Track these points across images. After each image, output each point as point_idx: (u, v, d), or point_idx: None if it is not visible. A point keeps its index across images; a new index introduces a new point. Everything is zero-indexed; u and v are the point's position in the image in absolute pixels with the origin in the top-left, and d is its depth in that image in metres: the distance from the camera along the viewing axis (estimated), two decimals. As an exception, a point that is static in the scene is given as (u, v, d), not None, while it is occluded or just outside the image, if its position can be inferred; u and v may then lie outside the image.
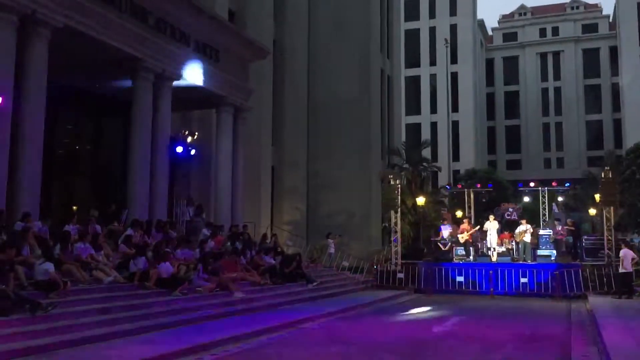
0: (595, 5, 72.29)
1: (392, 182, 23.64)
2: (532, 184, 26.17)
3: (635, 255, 19.48)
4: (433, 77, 60.18)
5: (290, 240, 26.02)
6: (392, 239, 23.90)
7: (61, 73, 15.43)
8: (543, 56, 68.02)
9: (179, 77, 18.17)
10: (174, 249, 15.48)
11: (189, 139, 18.92)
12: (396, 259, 23.51)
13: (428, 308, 18.00)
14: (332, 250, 25.18)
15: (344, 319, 14.87)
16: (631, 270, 19.34)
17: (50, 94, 14.16)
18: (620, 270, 19.40)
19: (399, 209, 23.94)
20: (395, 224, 23.67)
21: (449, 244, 24.09)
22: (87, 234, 13.60)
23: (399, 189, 23.80)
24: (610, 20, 67.37)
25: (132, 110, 17.24)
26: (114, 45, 15.59)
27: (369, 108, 31.93)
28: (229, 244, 18.47)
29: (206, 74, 19.37)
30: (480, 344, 11.13)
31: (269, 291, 17.02)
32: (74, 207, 18.26)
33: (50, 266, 10.98)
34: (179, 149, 18.62)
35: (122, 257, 13.99)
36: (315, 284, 19.20)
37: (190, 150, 19.13)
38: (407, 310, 17.45)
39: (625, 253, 19.28)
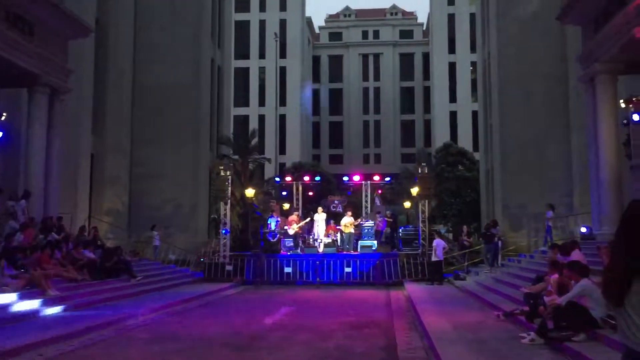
0: (412, 13, 77.89)
1: (222, 173, 23.24)
2: (356, 178, 27.38)
3: (446, 245, 21.27)
4: (262, 70, 60.56)
5: (111, 233, 24.46)
6: (222, 230, 23.53)
7: None
8: (365, 57, 71.72)
9: (-17, 49, 16.06)
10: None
11: (-5, 120, 16.81)
12: (224, 251, 23.19)
13: (257, 300, 18.00)
14: (157, 242, 24.17)
15: (171, 314, 14.27)
16: (442, 258, 21.10)
17: None
18: (433, 258, 21.08)
19: (229, 201, 23.64)
20: (225, 215, 23.33)
21: (277, 235, 24.34)
22: None
23: (230, 180, 23.49)
24: (424, 28, 73.01)
25: None
26: None
27: (199, 97, 31.15)
28: (41, 237, 16.81)
29: (17, 48, 17.36)
30: (311, 334, 11.30)
31: (88, 287, 15.81)
32: None
33: None
34: (-18, 131, 16.47)
35: None
36: (138, 278, 18.25)
37: (-4, 133, 17.02)
38: (236, 303, 17.30)
39: (438, 243, 20.99)
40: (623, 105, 16.94)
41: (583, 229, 18.93)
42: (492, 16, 32.00)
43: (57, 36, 19.75)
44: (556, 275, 10.18)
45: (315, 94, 70.82)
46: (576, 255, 11.97)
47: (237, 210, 27.34)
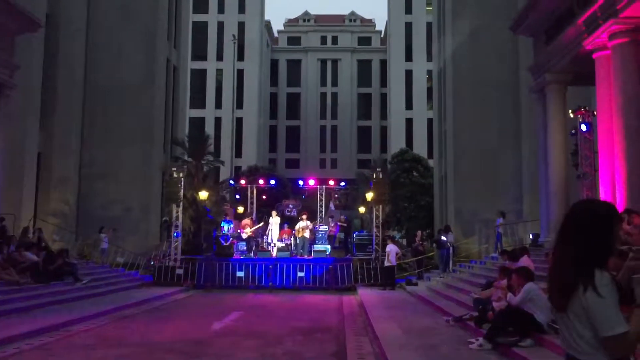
0: (370, 21, 78.51)
1: (174, 175, 22.78)
2: (311, 182, 27.30)
3: (399, 251, 21.34)
4: (219, 72, 59.98)
5: (57, 235, 23.68)
6: (173, 233, 23.05)
7: None
8: (323, 62, 71.87)
9: None
10: None
11: None
12: (175, 254, 22.72)
13: (208, 304, 17.67)
14: (105, 245, 23.50)
15: (117, 319, 13.83)
16: (395, 264, 21.17)
17: None
18: (386, 263, 21.12)
19: (182, 203, 23.19)
20: (177, 218, 22.87)
21: (230, 239, 24.03)
22: None
23: (182, 182, 23.04)
24: (382, 35, 73.68)
25: None
26: None
27: (153, 97, 30.52)
28: (-19, 238, 16.12)
29: (-40, 40, 16.65)
30: (261, 339, 11.11)
31: (30, 291, 15.22)
32: None
33: None
34: None
35: None
36: (84, 282, 17.68)
37: None
38: (185, 308, 16.94)
39: (391, 248, 21.04)
40: (572, 116, 17.34)
41: (530, 236, 19.31)
42: (447, 25, 32.49)
43: (3, 30, 19.01)
44: (505, 281, 10.28)
45: (273, 97, 70.57)
46: (525, 261, 12.14)
47: (189, 213, 26.85)
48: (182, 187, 23.05)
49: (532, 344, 8.76)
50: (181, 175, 22.92)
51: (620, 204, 13.58)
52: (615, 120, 14.09)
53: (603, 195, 14.74)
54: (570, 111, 17.48)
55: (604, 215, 2.60)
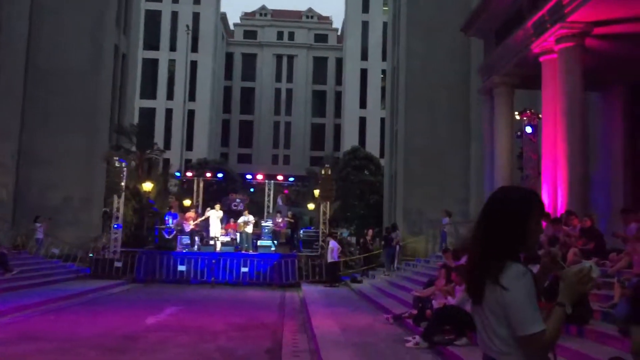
0: (327, 18, 78.35)
1: (117, 164, 22.01)
2: (259, 177, 26.91)
3: (339, 247, 21.20)
4: (172, 63, 58.76)
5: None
6: (113, 225, 22.27)
7: None
8: (279, 58, 71.32)
9: None
10: None
11: None
12: (115, 246, 21.96)
13: (145, 299, 17.10)
14: (40, 235, 22.49)
15: (45, 312, 13.17)
16: (338, 260, 21.01)
17: None
18: (329, 260, 20.95)
19: (123, 194, 22.41)
20: (117, 209, 22.10)
21: (174, 232, 23.40)
22: None
23: (125, 173, 22.26)
24: (339, 33, 73.68)
25: None
26: None
27: (98, 84, 29.43)
28: None
29: None
30: (194, 335, 10.71)
31: (-48, 281, 14.36)
32: None
33: None
34: None
35: None
36: (14, 272, 16.83)
37: None
38: (120, 301, 16.32)
39: (333, 244, 20.88)
40: (517, 117, 17.50)
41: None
42: (402, 26, 32.56)
43: None
44: (443, 280, 10.18)
45: (227, 91, 69.61)
46: (466, 260, 12.09)
47: (132, 204, 26.02)
48: (124, 177, 22.28)
49: (467, 343, 8.66)
50: (123, 165, 22.14)
51: (562, 208, 13.73)
52: (559, 124, 14.23)
53: (545, 198, 14.89)
54: (516, 113, 17.63)
55: (502, 202, 2.39)
